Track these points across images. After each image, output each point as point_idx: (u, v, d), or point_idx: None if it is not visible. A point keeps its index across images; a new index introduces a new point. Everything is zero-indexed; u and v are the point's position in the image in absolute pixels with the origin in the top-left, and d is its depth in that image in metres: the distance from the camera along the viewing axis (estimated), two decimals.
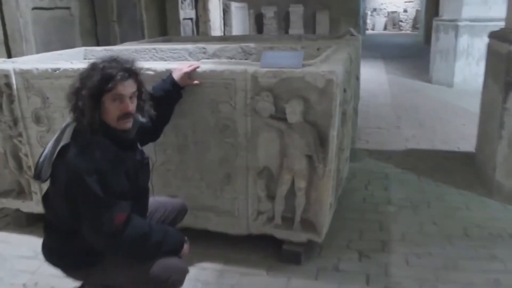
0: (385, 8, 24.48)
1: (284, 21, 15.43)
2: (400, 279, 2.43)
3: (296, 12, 15.14)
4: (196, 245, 2.19)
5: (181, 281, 1.88)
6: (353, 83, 3.24)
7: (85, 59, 3.37)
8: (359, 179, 3.78)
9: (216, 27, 9.37)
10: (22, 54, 4.14)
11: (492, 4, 7.23)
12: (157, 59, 3.46)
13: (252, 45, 3.37)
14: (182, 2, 7.61)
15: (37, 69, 2.62)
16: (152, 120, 2.04)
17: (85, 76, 1.75)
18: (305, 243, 2.54)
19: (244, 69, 2.34)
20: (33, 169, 2.57)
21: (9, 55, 4.25)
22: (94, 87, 1.71)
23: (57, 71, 2.57)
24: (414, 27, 22.27)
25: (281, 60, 2.34)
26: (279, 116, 2.32)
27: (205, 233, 2.64)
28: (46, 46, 4.58)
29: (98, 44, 5.58)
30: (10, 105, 2.74)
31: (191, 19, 8.04)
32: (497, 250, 2.68)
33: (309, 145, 2.29)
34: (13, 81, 2.68)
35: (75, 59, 3.02)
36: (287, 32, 14.50)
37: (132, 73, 1.80)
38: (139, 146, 2.00)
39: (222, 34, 9.31)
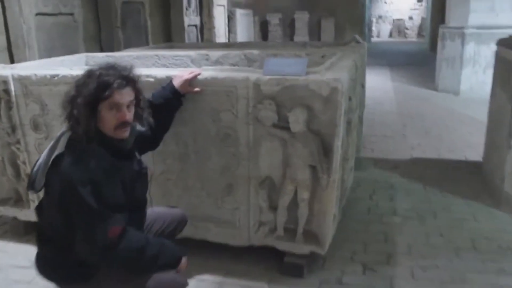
0: (390, 16, 24.41)
1: (289, 28, 15.41)
2: None
3: (301, 19, 15.11)
4: (195, 256, 2.15)
5: None
6: (358, 91, 3.18)
7: (86, 65, 3.33)
8: (364, 188, 3.72)
9: (220, 34, 9.38)
10: (25, 60, 4.09)
11: (499, 12, 7.19)
12: (160, 66, 3.41)
13: (255, 52, 3.31)
14: (186, 9, 7.64)
15: (35, 75, 2.58)
16: (152, 128, 1.99)
17: (81, 83, 1.70)
18: (307, 255, 2.48)
19: (246, 76, 2.29)
20: None
21: (12, 62, 4.22)
22: (90, 95, 1.65)
23: (56, 78, 2.53)
24: (419, 34, 22.20)
25: (285, 67, 2.28)
26: (282, 125, 2.27)
27: (205, 244, 2.58)
28: (50, 52, 4.55)
29: (101, 50, 5.55)
30: (8, 112, 2.70)
31: (195, 25, 8.06)
32: (506, 263, 2.61)
33: (313, 155, 2.23)
34: (12, 87, 2.64)
35: (76, 66, 2.99)
36: (292, 39, 14.48)
37: (129, 80, 1.74)
38: (137, 155, 1.94)
39: (227, 41, 9.31)
